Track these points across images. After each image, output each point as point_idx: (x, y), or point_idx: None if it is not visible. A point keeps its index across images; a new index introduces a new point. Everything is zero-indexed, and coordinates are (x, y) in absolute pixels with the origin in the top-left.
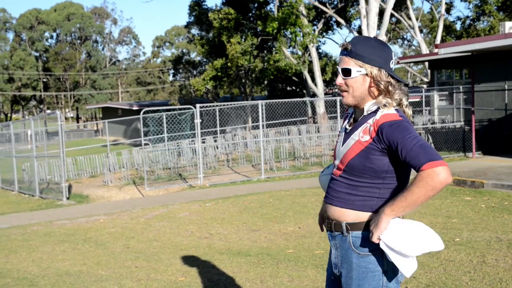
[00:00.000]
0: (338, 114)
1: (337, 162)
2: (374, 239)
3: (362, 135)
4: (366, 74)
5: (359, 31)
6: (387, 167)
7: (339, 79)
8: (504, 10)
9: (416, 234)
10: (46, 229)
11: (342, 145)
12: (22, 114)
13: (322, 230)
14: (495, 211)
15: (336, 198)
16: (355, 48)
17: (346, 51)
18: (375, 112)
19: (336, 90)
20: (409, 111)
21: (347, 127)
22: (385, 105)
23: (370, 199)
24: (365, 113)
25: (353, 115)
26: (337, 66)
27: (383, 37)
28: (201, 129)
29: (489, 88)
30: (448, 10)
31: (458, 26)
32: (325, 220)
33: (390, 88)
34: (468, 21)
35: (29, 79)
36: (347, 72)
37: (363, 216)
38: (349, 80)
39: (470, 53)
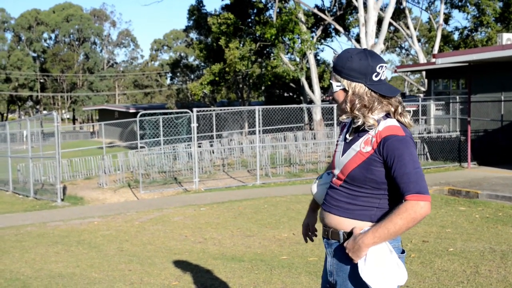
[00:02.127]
0: (335, 121)
1: (337, 171)
2: (354, 261)
3: (364, 146)
4: (345, 89)
5: (358, 39)
6: (387, 179)
7: (329, 93)
8: (502, 22)
9: (388, 267)
10: (39, 230)
11: (342, 155)
12: (18, 114)
13: (306, 241)
14: (489, 222)
15: (335, 207)
16: (335, 63)
17: (332, 65)
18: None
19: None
20: (404, 119)
21: (347, 136)
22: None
23: (369, 209)
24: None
25: (353, 125)
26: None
27: (381, 46)
28: (197, 133)
29: (485, 99)
30: (446, 20)
31: (456, 36)
32: (309, 229)
33: (366, 104)
34: (466, 32)
35: (26, 80)
36: (331, 87)
37: (361, 225)
38: (334, 95)
39: (467, 64)
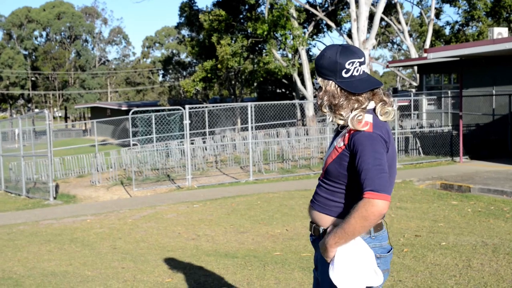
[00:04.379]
0: (327, 117)
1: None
2: (327, 260)
3: (339, 141)
4: (320, 87)
5: (349, 34)
6: (354, 174)
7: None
8: (493, 16)
9: (357, 269)
10: (32, 229)
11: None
12: (10, 113)
13: None
14: (481, 216)
15: (317, 202)
16: (315, 61)
17: None
18: None
19: None
20: (380, 115)
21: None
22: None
23: (345, 205)
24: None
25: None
26: None
27: (372, 41)
28: (190, 130)
29: (477, 93)
30: (437, 15)
31: (447, 31)
32: None
33: (335, 102)
34: (457, 26)
35: (18, 78)
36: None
37: (338, 222)
38: (317, 92)
39: (458, 58)
